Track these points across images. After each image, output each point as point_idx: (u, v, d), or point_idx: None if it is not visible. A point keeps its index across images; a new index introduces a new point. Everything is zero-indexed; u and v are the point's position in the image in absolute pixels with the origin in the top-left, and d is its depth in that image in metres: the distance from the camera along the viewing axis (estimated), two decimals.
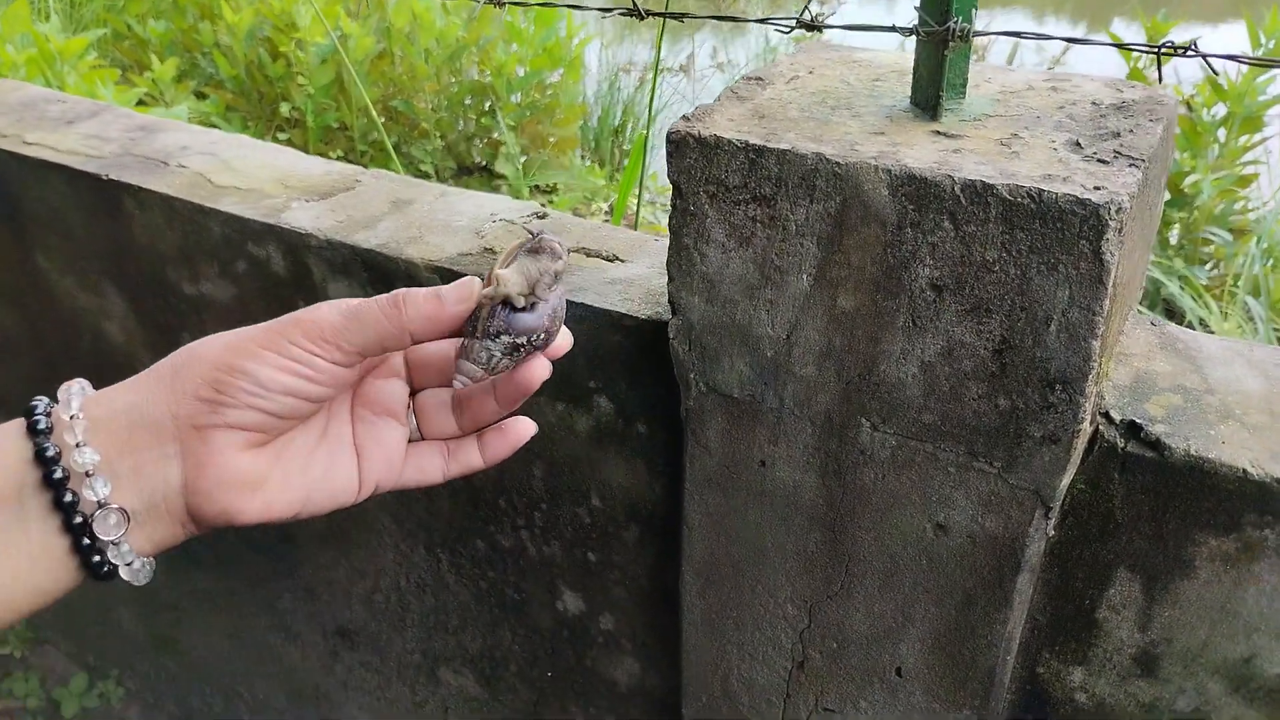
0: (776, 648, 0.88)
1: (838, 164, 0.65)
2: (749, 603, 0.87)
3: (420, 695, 1.35)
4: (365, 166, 1.16)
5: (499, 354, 0.54)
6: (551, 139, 3.99)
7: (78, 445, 0.45)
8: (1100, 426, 0.68)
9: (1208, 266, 2.40)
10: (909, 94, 0.74)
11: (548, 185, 3.89)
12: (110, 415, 0.46)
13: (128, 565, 0.47)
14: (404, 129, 3.97)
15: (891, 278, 0.66)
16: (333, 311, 0.49)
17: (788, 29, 0.74)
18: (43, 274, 1.33)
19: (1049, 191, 0.59)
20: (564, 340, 0.57)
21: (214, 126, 3.42)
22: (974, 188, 0.61)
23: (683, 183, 0.72)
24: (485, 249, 0.96)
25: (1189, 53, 0.61)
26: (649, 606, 1.02)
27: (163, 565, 1.51)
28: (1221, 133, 2.37)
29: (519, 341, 0.54)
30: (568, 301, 0.87)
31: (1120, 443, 0.67)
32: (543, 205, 1.03)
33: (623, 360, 0.88)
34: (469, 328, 0.54)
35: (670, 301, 0.77)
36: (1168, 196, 2.32)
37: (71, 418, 0.45)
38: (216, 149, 1.21)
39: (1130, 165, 0.62)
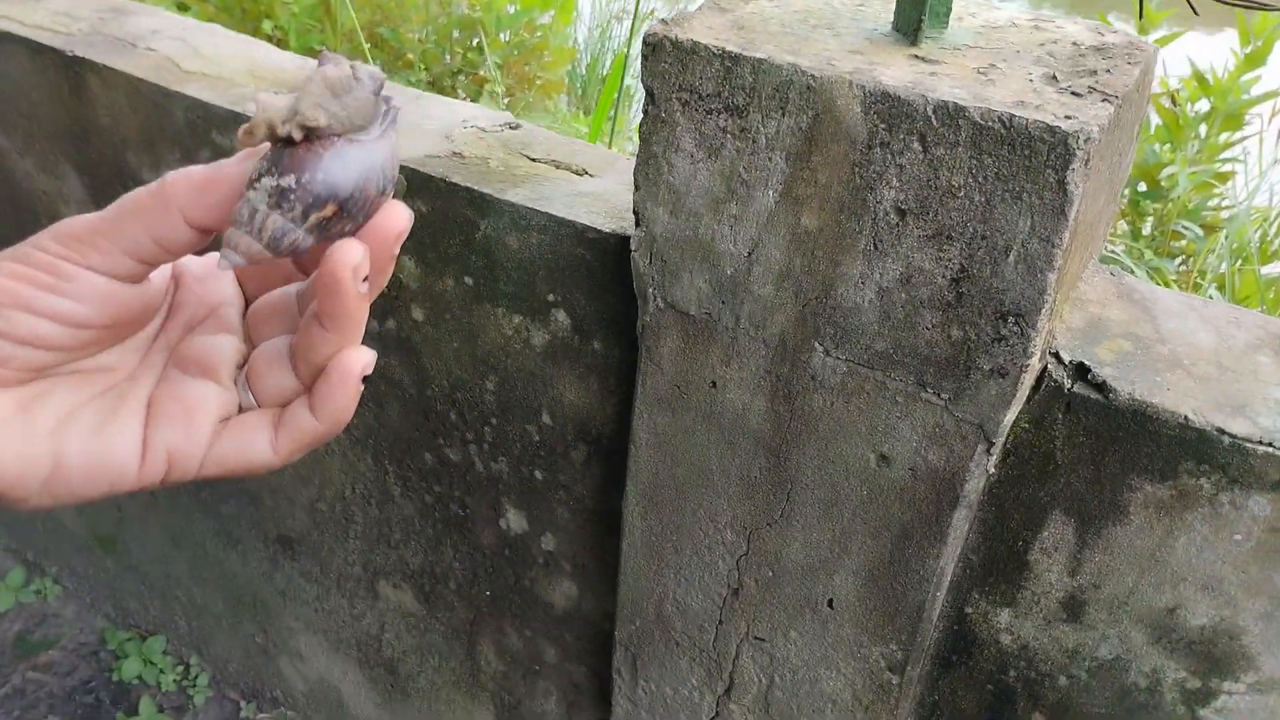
0: (713, 574, 0.88)
1: (812, 77, 0.64)
2: (689, 527, 0.87)
3: (358, 608, 1.35)
4: None
5: (263, 207, 0.37)
6: (538, 81, 3.94)
7: None
8: (1049, 366, 0.68)
9: (1177, 261, 2.42)
10: (892, 20, 0.73)
11: (541, 125, 3.84)
12: None
13: None
14: (389, 58, 3.89)
15: (857, 198, 0.66)
16: (92, 215, 0.38)
17: None
18: (2, 153, 1.29)
19: (1020, 117, 0.59)
20: (392, 216, 0.40)
21: None
22: (946, 109, 0.61)
23: (656, 88, 0.70)
24: (454, 153, 0.94)
25: None
26: (591, 529, 1.02)
27: None
28: (1203, 129, 2.38)
29: (292, 190, 0.37)
30: (531, 209, 0.86)
31: (1067, 383, 0.68)
32: (516, 118, 1.01)
33: (584, 274, 0.87)
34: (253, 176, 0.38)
35: (635, 212, 0.76)
36: (1144, 187, 2.33)
37: None
38: (187, 35, 1.17)
39: (1103, 100, 0.62)
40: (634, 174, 0.74)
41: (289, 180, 0.37)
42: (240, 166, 0.38)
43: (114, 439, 0.40)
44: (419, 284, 0.98)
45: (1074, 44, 0.72)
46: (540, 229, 0.87)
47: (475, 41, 3.84)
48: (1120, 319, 0.72)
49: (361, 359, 0.43)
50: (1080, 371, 0.68)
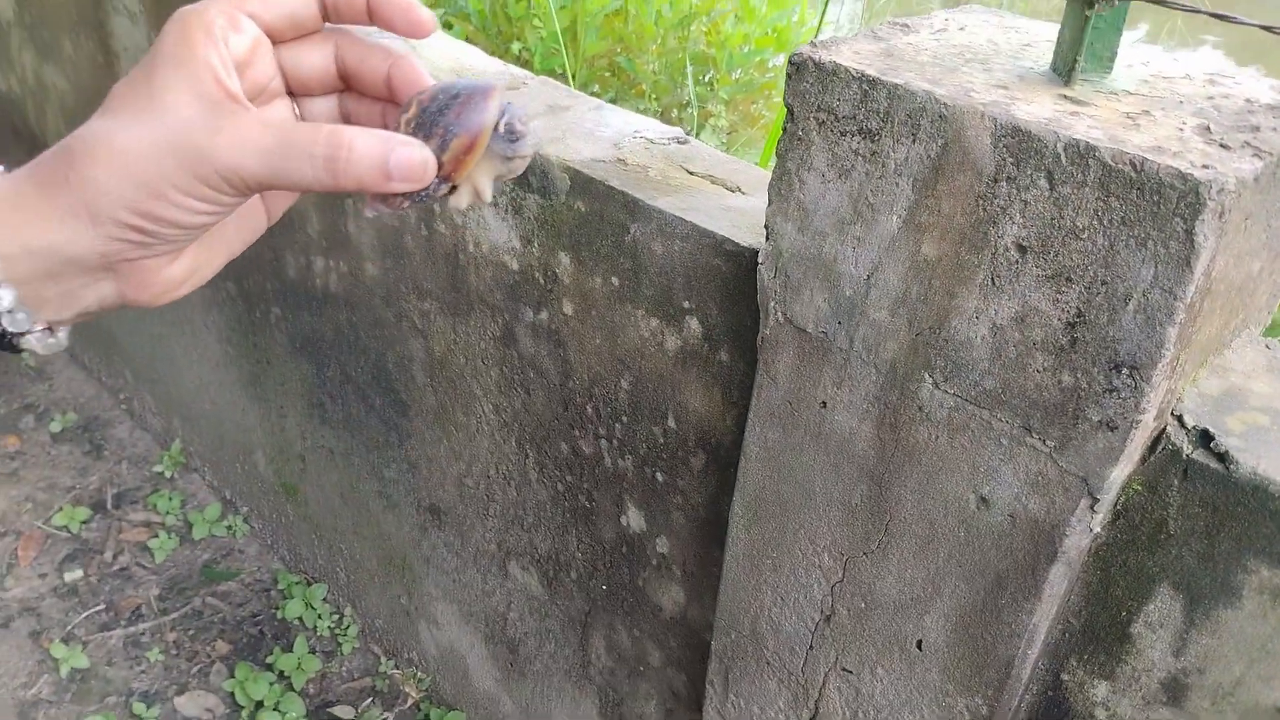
0: (808, 597, 0.88)
1: (945, 105, 0.64)
2: (789, 545, 0.87)
3: (489, 584, 1.42)
4: None
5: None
6: (762, 120, 3.99)
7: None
8: (1169, 427, 0.65)
9: None
10: (1051, 60, 0.72)
11: (751, 161, 3.90)
12: (28, 253, 0.42)
13: (38, 343, 0.46)
14: (623, 85, 4.06)
15: (978, 231, 0.65)
16: (252, 153, 0.42)
17: None
18: None
19: (1151, 161, 0.57)
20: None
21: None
22: (1076, 148, 0.59)
23: (796, 106, 0.72)
24: (618, 159, 0.99)
25: None
26: (703, 537, 1.04)
27: (297, 417, 1.64)
28: None
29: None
30: (677, 217, 0.89)
31: (1187, 448, 0.64)
32: (687, 131, 1.05)
33: (718, 285, 0.89)
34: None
35: (766, 226, 0.78)
36: None
37: None
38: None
39: (1254, 155, 0.59)
40: (769, 188, 0.76)
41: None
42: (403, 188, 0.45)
43: (253, 227, 0.51)
44: (572, 279, 1.03)
45: (1246, 100, 0.68)
46: (683, 237, 0.90)
47: (707, 77, 3.95)
48: (1263, 392, 0.68)
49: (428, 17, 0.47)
50: (1203, 438, 0.64)
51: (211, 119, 0.42)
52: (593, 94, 3.98)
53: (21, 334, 0.43)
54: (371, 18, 0.46)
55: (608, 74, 4.01)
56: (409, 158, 0.43)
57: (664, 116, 4.01)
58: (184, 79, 0.42)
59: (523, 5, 3.76)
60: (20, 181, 0.42)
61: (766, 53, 3.83)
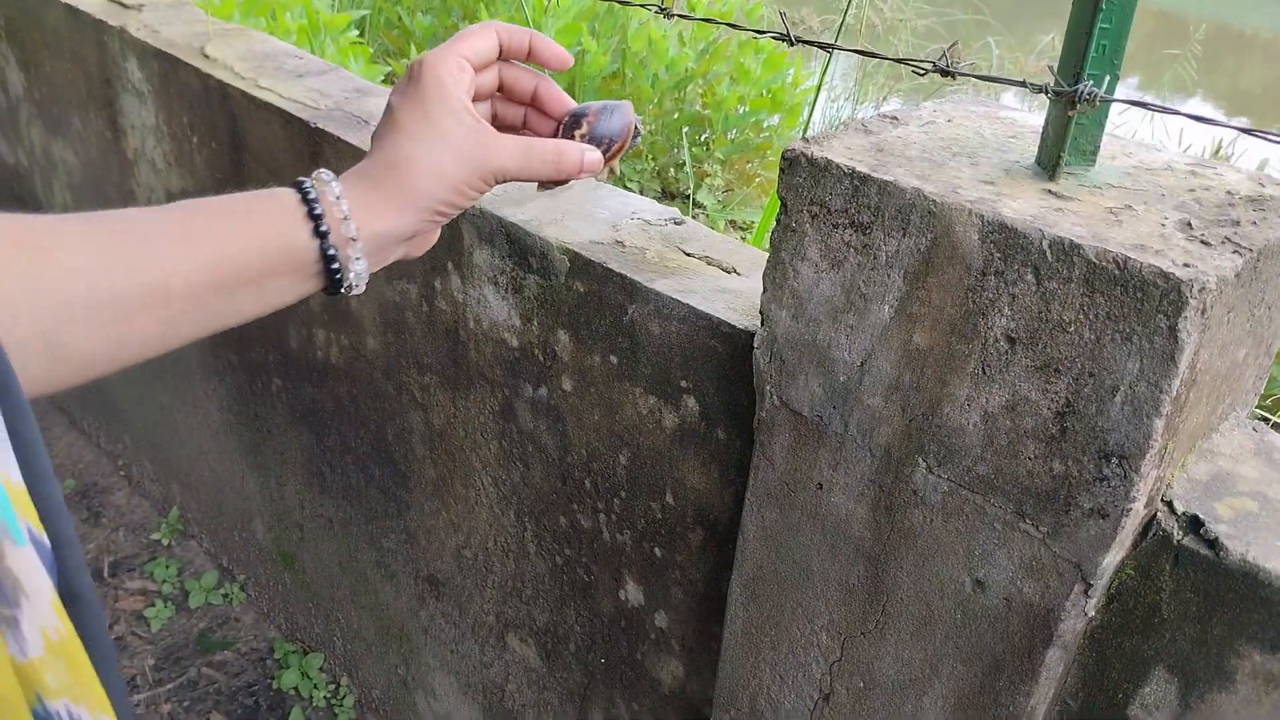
0: (806, 675, 0.88)
1: (934, 202, 0.66)
2: (788, 624, 0.88)
3: (487, 656, 1.42)
4: None
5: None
6: (758, 179, 4.05)
7: (356, 258, 0.61)
8: (1160, 514, 0.66)
9: None
10: (1035, 154, 0.74)
11: (744, 222, 3.95)
12: (374, 235, 0.61)
13: (356, 287, 0.62)
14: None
15: (969, 322, 0.67)
16: (513, 163, 0.65)
17: (923, 71, 0.76)
18: None
19: (1134, 260, 0.59)
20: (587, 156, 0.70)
21: None
22: (1061, 245, 0.62)
23: (789, 199, 0.75)
24: (616, 241, 1.02)
25: None
26: (701, 613, 1.04)
27: (296, 486, 1.64)
28: None
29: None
30: (674, 299, 0.91)
31: (1177, 535, 0.65)
32: (682, 195, 1.07)
33: (715, 365, 0.91)
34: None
35: (761, 312, 0.80)
36: None
37: (351, 239, 0.60)
38: None
39: (1234, 252, 0.61)
40: (763, 277, 0.78)
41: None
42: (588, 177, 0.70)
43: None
44: (571, 357, 1.05)
45: (1227, 193, 0.70)
46: (680, 318, 0.92)
47: (703, 137, 4.02)
48: (1250, 477, 0.69)
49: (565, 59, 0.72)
50: (1193, 524, 0.65)
51: (477, 138, 0.63)
52: None
53: (352, 288, 0.62)
54: (530, 55, 0.69)
55: None
56: (595, 160, 0.69)
57: (662, 177, 4.07)
58: (450, 113, 0.63)
59: None
60: (361, 189, 0.61)
61: (761, 114, 3.91)
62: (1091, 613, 0.69)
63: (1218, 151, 4.02)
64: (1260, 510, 0.66)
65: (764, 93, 3.91)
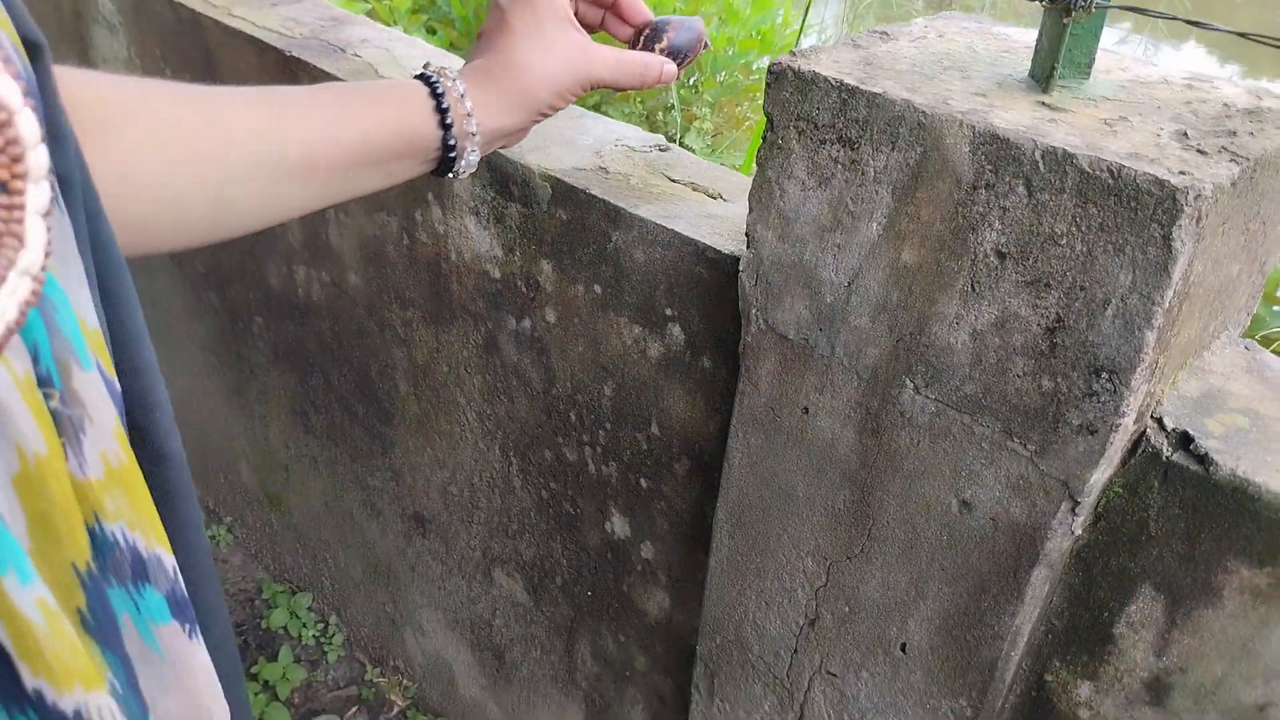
0: (792, 601, 0.88)
1: (923, 113, 0.65)
2: (773, 550, 0.87)
3: (474, 592, 1.42)
4: None
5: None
6: (747, 123, 4.00)
7: (472, 150, 0.68)
8: (1149, 430, 0.66)
9: None
10: (1029, 67, 0.72)
11: (734, 166, 3.90)
12: (487, 131, 0.68)
13: (464, 174, 0.70)
14: (607, 90, 4.04)
15: (958, 238, 0.66)
16: (608, 73, 0.71)
17: None
18: None
19: (1128, 168, 0.57)
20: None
21: None
22: (1054, 155, 0.60)
23: (776, 115, 0.73)
24: (600, 167, 0.99)
25: None
26: (687, 543, 1.04)
27: (280, 427, 1.62)
28: None
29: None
30: (658, 225, 0.90)
31: (1167, 451, 0.64)
32: (671, 135, 1.05)
33: (700, 292, 0.89)
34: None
35: (747, 234, 0.78)
36: None
37: (471, 134, 0.67)
38: (391, 45, 1.29)
39: (1231, 161, 0.59)
40: (749, 197, 0.77)
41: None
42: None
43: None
44: (554, 287, 1.03)
45: (1224, 104, 0.69)
46: (665, 245, 0.90)
47: (692, 80, 3.96)
48: (1242, 394, 0.68)
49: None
50: (1183, 440, 0.64)
51: (581, 47, 0.69)
52: (578, 100, 3.96)
53: (459, 174, 0.69)
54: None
55: None
56: (671, 72, 0.76)
57: (649, 120, 4.01)
58: (557, 21, 0.69)
59: None
60: (481, 88, 0.67)
61: (751, 55, 3.84)
62: (1078, 531, 0.69)
63: None
64: (1251, 426, 0.65)
65: (753, 34, 3.84)
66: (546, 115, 0.71)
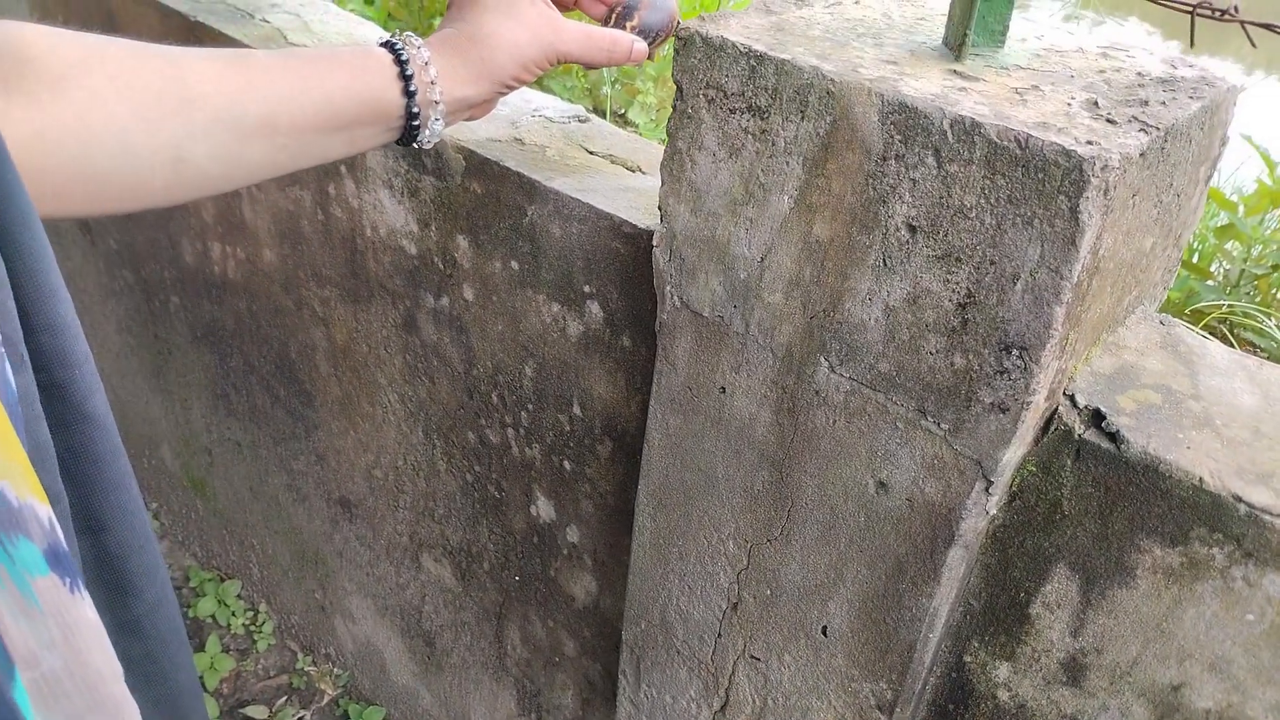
0: (714, 584, 0.86)
1: (832, 81, 0.62)
2: (694, 533, 0.85)
3: (403, 578, 1.38)
4: None
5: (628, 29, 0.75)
6: None
7: (436, 119, 0.67)
8: (1061, 408, 0.64)
9: None
10: (943, 35, 0.70)
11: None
12: (453, 100, 0.67)
13: (428, 143, 0.69)
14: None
15: (869, 211, 0.63)
16: (576, 47, 0.69)
17: None
18: None
19: (1036, 138, 0.55)
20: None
21: None
22: (963, 124, 0.58)
23: (685, 83, 0.70)
24: (515, 139, 0.96)
25: (1225, 16, 0.56)
26: (612, 526, 1.01)
27: (201, 410, 1.57)
28: None
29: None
30: (574, 199, 0.87)
31: (1079, 429, 0.63)
32: (589, 110, 1.02)
33: (618, 268, 0.86)
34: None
35: (659, 208, 0.75)
36: None
37: (435, 101, 0.66)
38: (302, 11, 1.23)
39: (1141, 130, 0.58)
40: (660, 168, 0.74)
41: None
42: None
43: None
44: (471, 264, 1.00)
45: (1138, 74, 0.67)
46: (581, 219, 0.87)
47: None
48: (1155, 369, 0.67)
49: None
50: (1095, 418, 0.63)
51: (549, 21, 0.68)
52: None
53: (423, 144, 0.68)
54: None
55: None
56: (642, 51, 0.74)
57: (593, 94, 3.95)
58: None
59: None
60: (445, 57, 0.66)
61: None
62: (993, 511, 0.68)
63: None
64: (1164, 402, 0.64)
65: (696, 5, 3.79)
66: (511, 88, 0.69)
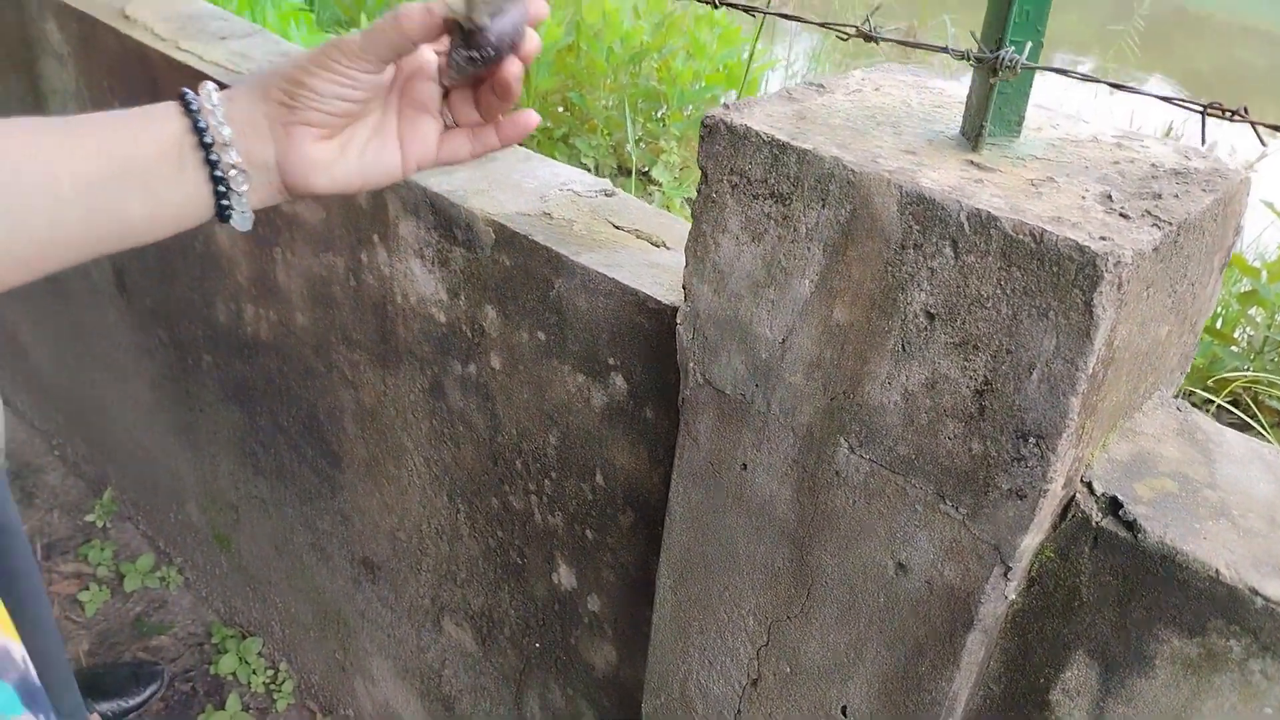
0: (734, 660, 0.86)
1: (852, 171, 0.64)
2: (715, 607, 0.86)
3: (424, 641, 1.39)
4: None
5: (462, 62, 0.64)
6: None
7: (219, 125, 0.61)
8: (1079, 495, 0.65)
9: None
10: (960, 124, 0.72)
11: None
12: (232, 112, 0.62)
13: (241, 214, 0.64)
14: (575, 121, 4.06)
15: (888, 297, 0.65)
16: (355, 35, 0.63)
17: (846, 36, 0.74)
18: None
19: (1050, 233, 0.57)
20: (528, 47, 0.66)
21: None
22: (979, 217, 0.59)
23: (709, 169, 0.72)
24: (544, 213, 0.98)
25: (1235, 116, 0.58)
26: (633, 596, 1.02)
27: (229, 467, 1.59)
28: None
29: (476, 55, 0.63)
30: (600, 274, 0.88)
31: (1096, 516, 0.64)
32: (614, 168, 1.04)
33: (641, 342, 0.88)
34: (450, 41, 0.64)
35: (684, 287, 0.77)
36: None
37: (213, 107, 0.62)
38: None
39: (1154, 225, 0.59)
40: (685, 250, 0.76)
41: (476, 53, 0.63)
42: (442, 14, 0.62)
43: (388, 160, 0.67)
44: (499, 333, 1.02)
45: (1152, 165, 0.69)
46: (606, 294, 0.89)
47: (659, 113, 3.97)
48: (1172, 457, 0.68)
49: (535, 119, 0.71)
50: (1112, 506, 0.64)
51: (335, 36, 0.66)
52: (544, 130, 3.98)
53: (232, 207, 0.63)
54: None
55: (560, 110, 4.01)
56: (425, 9, 0.62)
57: (617, 152, 4.02)
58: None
59: None
60: (233, 88, 0.63)
61: (717, 89, 3.86)
62: (1012, 596, 0.68)
63: (1168, 133, 4.04)
64: (1180, 491, 0.65)
65: (720, 68, 3.86)
66: (287, 93, 0.62)
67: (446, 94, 0.69)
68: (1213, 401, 2.21)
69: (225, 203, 0.63)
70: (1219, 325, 2.39)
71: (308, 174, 0.64)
